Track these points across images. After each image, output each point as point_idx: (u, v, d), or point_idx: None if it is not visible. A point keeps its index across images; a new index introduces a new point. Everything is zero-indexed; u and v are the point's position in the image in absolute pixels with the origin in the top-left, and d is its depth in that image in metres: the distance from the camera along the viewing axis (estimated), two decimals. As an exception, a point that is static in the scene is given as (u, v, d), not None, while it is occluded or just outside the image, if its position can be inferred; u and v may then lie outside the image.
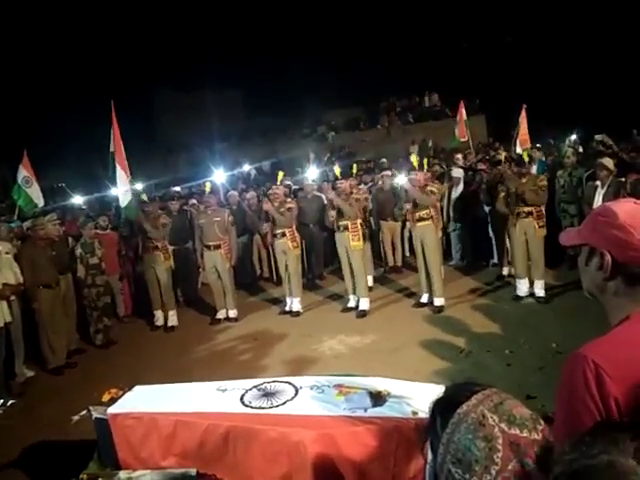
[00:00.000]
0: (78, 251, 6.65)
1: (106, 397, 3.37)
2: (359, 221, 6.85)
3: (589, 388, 1.14)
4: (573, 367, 1.19)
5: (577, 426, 1.13)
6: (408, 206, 6.67)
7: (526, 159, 6.96)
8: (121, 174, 6.72)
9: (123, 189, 6.78)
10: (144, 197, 7.49)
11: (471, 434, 1.00)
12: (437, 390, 3.05)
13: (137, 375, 5.07)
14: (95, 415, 3.28)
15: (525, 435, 1.00)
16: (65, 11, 18.96)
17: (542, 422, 1.05)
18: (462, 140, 10.67)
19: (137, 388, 3.54)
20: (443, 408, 1.09)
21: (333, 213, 6.79)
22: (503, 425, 1.00)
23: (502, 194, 6.74)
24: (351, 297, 7.00)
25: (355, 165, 8.33)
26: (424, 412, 2.76)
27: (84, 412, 3.32)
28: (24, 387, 5.62)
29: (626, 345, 1.19)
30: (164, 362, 5.93)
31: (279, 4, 21.35)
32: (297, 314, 7.04)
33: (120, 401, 3.34)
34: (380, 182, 8.85)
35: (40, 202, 7.43)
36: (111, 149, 6.88)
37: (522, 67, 18.33)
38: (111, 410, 3.23)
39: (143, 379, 4.06)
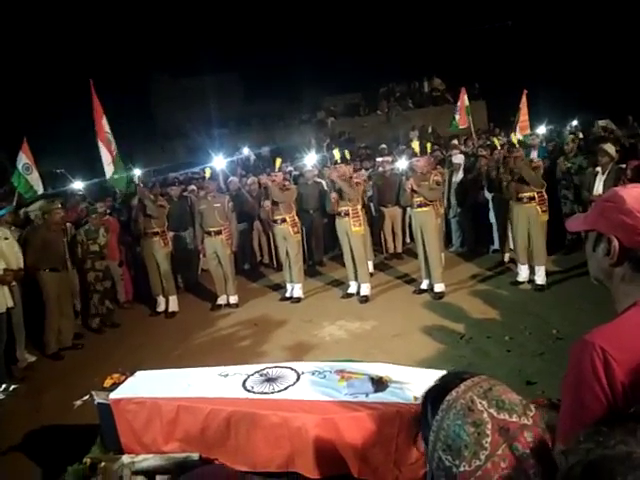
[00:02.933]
0: (80, 237, 6.65)
1: (108, 382, 3.38)
2: (359, 206, 6.84)
3: (597, 374, 1.14)
4: (580, 353, 1.18)
5: (585, 413, 1.13)
6: (409, 187, 6.62)
7: (515, 143, 6.99)
8: (103, 150, 7.07)
9: (107, 162, 7.08)
10: (135, 179, 7.51)
11: (460, 420, 1.00)
12: (437, 375, 3.08)
13: (139, 360, 5.10)
14: (97, 400, 3.29)
15: (515, 420, 1.00)
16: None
17: (533, 408, 1.04)
18: (462, 127, 10.64)
19: (139, 373, 3.55)
20: (433, 397, 1.09)
21: (335, 195, 6.78)
22: (492, 410, 1.00)
23: (505, 182, 6.73)
24: (352, 283, 7.01)
25: (348, 152, 8.25)
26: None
27: (86, 397, 3.33)
28: (26, 372, 5.64)
29: (634, 331, 1.18)
30: (166, 347, 5.96)
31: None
32: (298, 300, 7.05)
33: (122, 386, 3.35)
34: (380, 168, 8.82)
35: (40, 189, 7.44)
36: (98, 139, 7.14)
37: (522, 52, 18.17)
38: (113, 395, 3.24)
39: (145, 364, 4.08)
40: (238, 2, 21.05)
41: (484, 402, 1.01)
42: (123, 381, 3.41)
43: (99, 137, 7.12)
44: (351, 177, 6.87)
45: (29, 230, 6.18)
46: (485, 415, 1.00)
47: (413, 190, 6.50)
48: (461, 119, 10.51)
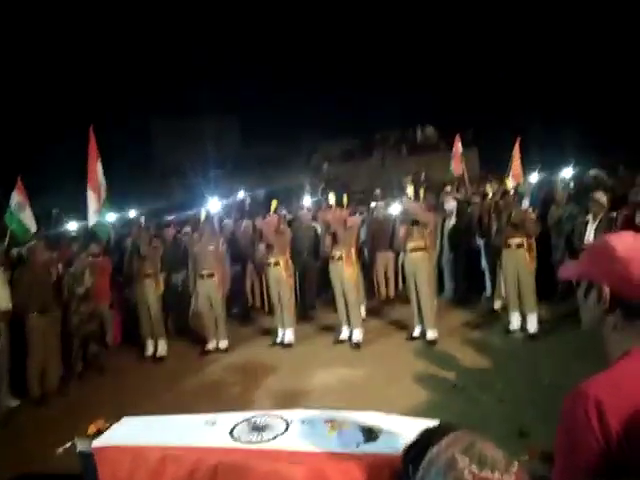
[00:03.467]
0: (66, 279, 6.60)
1: (92, 429, 3.28)
2: (353, 250, 6.87)
3: (591, 425, 1.13)
4: (574, 403, 1.17)
5: (580, 464, 1.12)
6: (402, 231, 6.67)
7: (509, 190, 7.09)
8: (91, 196, 7.17)
9: (92, 209, 7.18)
10: (142, 221, 7.55)
11: (441, 477, 0.99)
12: (429, 425, 3.03)
13: (125, 406, 4.97)
14: (80, 448, 3.19)
15: (497, 476, 0.98)
16: (61, 37, 19.24)
17: (516, 464, 1.03)
18: (456, 175, 10.81)
19: (124, 419, 3.47)
20: (415, 453, 1.08)
21: (329, 239, 6.81)
22: (474, 467, 0.99)
23: (495, 227, 6.81)
24: (344, 328, 6.96)
25: (346, 195, 8.36)
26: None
27: (68, 444, 3.22)
28: (8, 417, 5.49)
29: (628, 381, 1.17)
30: (152, 393, 5.84)
31: (278, 34, 21.79)
32: (289, 346, 6.97)
33: (106, 433, 3.26)
34: (374, 213, 8.90)
35: (33, 227, 7.44)
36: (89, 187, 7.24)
37: (514, 101, 18.68)
38: (97, 442, 3.15)
39: (131, 410, 3.98)
40: (238, 46, 21.66)
41: (466, 458, 1.00)
42: (107, 428, 3.32)
43: (89, 183, 7.21)
44: (345, 221, 6.92)
45: (17, 271, 6.12)
46: (466, 472, 0.98)
47: (407, 233, 6.56)
48: (455, 167, 10.68)
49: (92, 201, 7.23)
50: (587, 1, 18.06)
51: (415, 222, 6.59)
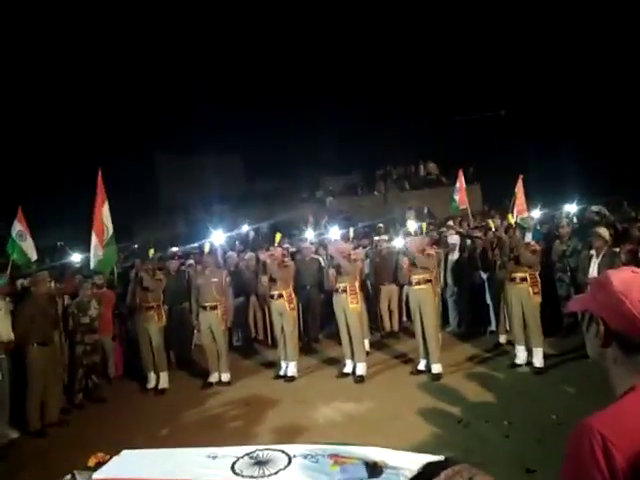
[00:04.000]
0: (71, 309, 6.62)
1: (92, 461, 3.24)
2: (357, 283, 6.87)
3: (596, 461, 1.11)
4: (579, 439, 1.16)
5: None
6: (405, 263, 6.70)
7: (512, 224, 7.14)
8: (95, 241, 7.38)
9: (94, 252, 7.39)
10: (150, 252, 7.60)
11: None
12: (434, 461, 2.98)
13: (125, 439, 4.91)
14: (79, 480, 3.14)
15: None
16: (67, 71, 19.68)
17: None
18: (462, 207, 10.92)
19: (125, 452, 3.42)
20: None
21: (333, 271, 6.82)
22: None
23: (499, 261, 6.83)
24: (348, 362, 6.90)
25: (352, 229, 8.45)
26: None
27: (68, 477, 3.18)
28: (7, 450, 5.40)
29: (633, 417, 1.16)
30: (154, 426, 5.76)
31: (278, 72, 22.27)
32: (292, 379, 6.90)
33: (106, 466, 3.21)
34: (377, 246, 8.93)
35: (33, 256, 7.55)
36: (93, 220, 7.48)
37: (516, 138, 18.92)
38: (96, 475, 3.10)
39: (131, 443, 3.94)
40: (241, 86, 22.12)
41: None
42: (107, 460, 3.28)
43: (94, 227, 7.43)
44: (349, 254, 6.95)
45: (20, 302, 6.12)
46: None
47: (411, 265, 6.57)
48: (461, 199, 10.82)
49: (95, 244, 7.42)
50: (588, 34, 18.45)
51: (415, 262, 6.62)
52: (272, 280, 6.99)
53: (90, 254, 7.54)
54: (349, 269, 6.74)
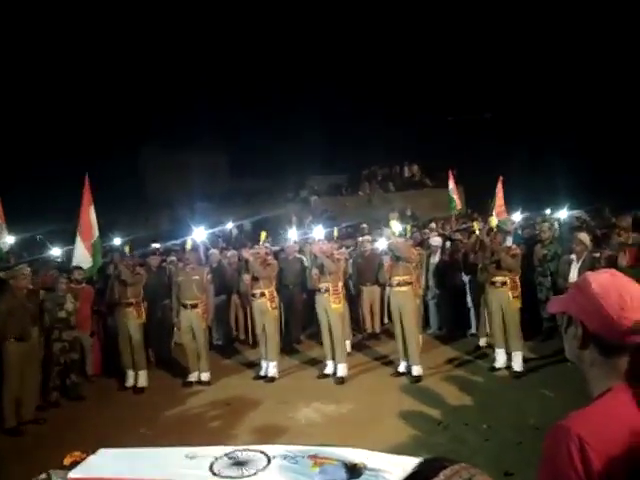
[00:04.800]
0: (46, 304, 6.49)
1: (68, 460, 3.20)
2: (340, 283, 6.86)
3: (573, 461, 1.11)
4: (555, 440, 1.16)
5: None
6: (387, 263, 6.73)
7: (494, 227, 7.18)
8: (81, 244, 7.29)
9: (79, 255, 7.30)
10: (126, 249, 7.46)
11: None
12: (414, 463, 2.98)
13: (102, 437, 4.84)
14: (55, 479, 3.09)
15: None
16: (53, 65, 19.42)
17: None
18: (459, 208, 11.02)
19: (101, 451, 3.38)
20: None
21: (316, 271, 6.81)
22: None
23: (480, 264, 6.87)
24: (329, 362, 6.89)
25: (336, 230, 8.43)
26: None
27: (43, 476, 3.12)
28: (-20, 447, 5.30)
29: (609, 419, 1.17)
30: (132, 425, 5.68)
31: (265, 71, 22.23)
32: (272, 379, 6.87)
33: (83, 464, 3.17)
34: (361, 247, 8.93)
35: (6, 246, 7.46)
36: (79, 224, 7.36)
37: (500, 141, 19.10)
38: (72, 474, 3.06)
39: (108, 441, 3.88)
40: (227, 83, 22.03)
41: None
42: (84, 459, 3.23)
43: (81, 232, 7.32)
44: (332, 254, 6.93)
45: None
46: None
47: (392, 265, 6.60)
48: (458, 199, 10.96)
49: (80, 249, 7.32)
50: (574, 41, 18.69)
51: (399, 257, 6.64)
52: (254, 279, 6.96)
53: (74, 253, 7.42)
54: (332, 269, 6.73)
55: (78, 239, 7.33)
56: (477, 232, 8.03)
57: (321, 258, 6.76)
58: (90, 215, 7.40)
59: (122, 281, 6.93)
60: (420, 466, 1.11)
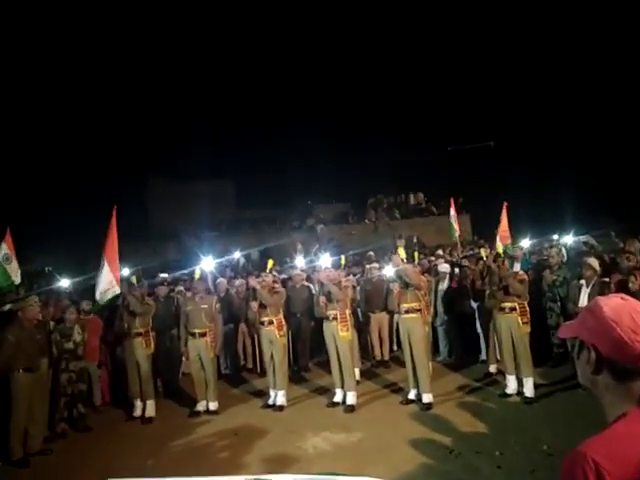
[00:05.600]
0: (54, 335, 6.50)
1: (76, 492, 3.16)
2: (348, 311, 6.84)
3: None
4: (572, 466, 1.16)
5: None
6: (396, 289, 6.71)
7: (501, 253, 7.18)
8: (111, 276, 6.90)
9: (106, 287, 6.91)
10: (133, 280, 7.46)
11: None
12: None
13: (110, 469, 4.80)
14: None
15: None
16: (59, 96, 19.83)
17: None
18: (458, 235, 11.07)
19: (110, 482, 3.34)
20: None
21: (323, 298, 6.80)
22: None
23: (488, 290, 6.85)
24: (338, 391, 6.82)
25: (343, 257, 8.46)
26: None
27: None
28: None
29: (625, 443, 1.17)
30: (139, 455, 5.61)
31: (272, 100, 22.60)
32: (281, 408, 6.79)
33: (91, 496, 3.14)
34: (368, 274, 8.94)
35: (17, 280, 7.46)
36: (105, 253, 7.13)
37: (504, 169, 19.22)
38: (80, 506, 3.02)
39: (116, 473, 3.85)
40: (233, 114, 22.40)
41: None
42: (92, 490, 3.20)
43: (110, 262, 7.03)
44: (340, 281, 6.94)
45: (5, 327, 5.99)
46: None
47: (400, 292, 6.59)
48: (458, 229, 11.01)
49: (109, 275, 6.96)
50: (574, 69, 18.95)
51: (408, 284, 6.64)
52: (262, 307, 6.95)
53: (100, 280, 7.07)
54: (339, 296, 6.73)
55: (106, 266, 7.05)
56: (484, 258, 8.04)
57: (328, 285, 6.77)
58: (115, 245, 7.24)
59: (131, 311, 6.95)
60: None
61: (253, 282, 7.09)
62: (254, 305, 7.04)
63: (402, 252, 7.30)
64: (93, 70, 20.58)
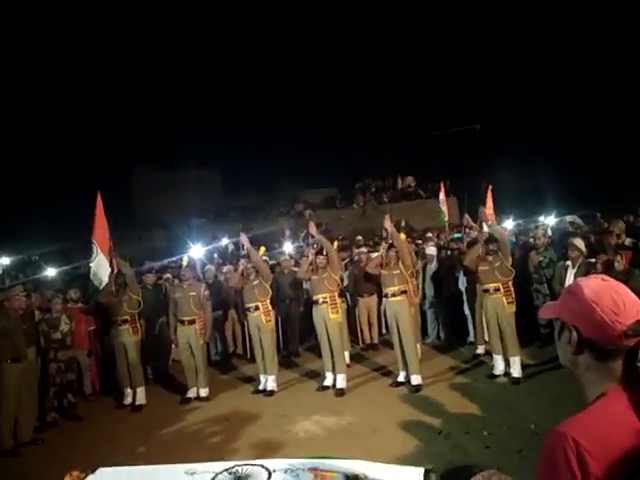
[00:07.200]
0: (41, 326, 6.46)
1: (66, 480, 3.15)
2: (337, 295, 6.86)
3: (570, 466, 1.12)
4: (553, 445, 1.17)
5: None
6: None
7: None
8: (103, 260, 7.36)
9: (103, 273, 7.31)
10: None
11: None
12: (415, 473, 2.97)
13: (101, 456, 4.80)
14: (53, 501, 3.06)
15: None
16: (47, 85, 19.53)
17: None
18: (446, 220, 11.10)
19: (100, 471, 3.33)
20: None
21: (306, 266, 6.88)
22: None
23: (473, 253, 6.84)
24: (328, 374, 6.86)
25: (336, 242, 8.45)
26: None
27: (41, 498, 3.10)
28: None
29: (605, 422, 1.18)
30: (131, 443, 5.63)
31: (258, 86, 22.41)
32: (271, 393, 6.83)
33: (81, 485, 3.13)
34: (356, 258, 8.95)
35: None
36: (93, 239, 7.45)
37: (490, 151, 19.28)
38: (71, 495, 3.02)
39: (107, 460, 3.84)
40: (220, 101, 22.18)
41: None
42: (83, 479, 3.19)
43: (102, 247, 7.42)
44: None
45: None
46: None
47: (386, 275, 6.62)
48: (447, 211, 11.02)
49: (102, 260, 7.43)
50: (561, 50, 18.98)
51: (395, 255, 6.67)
52: (248, 294, 6.95)
53: (94, 265, 7.49)
54: (331, 252, 6.80)
55: (98, 251, 7.41)
56: (474, 233, 8.05)
57: (320, 240, 6.78)
58: (104, 229, 7.56)
59: (117, 297, 6.90)
60: (449, 472, 1.10)
61: (243, 264, 7.13)
62: (243, 261, 7.12)
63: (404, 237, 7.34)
64: (78, 58, 20.26)
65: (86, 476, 3.24)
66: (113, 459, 4.43)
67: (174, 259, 10.37)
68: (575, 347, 1.28)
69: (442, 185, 11.36)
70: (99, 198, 7.57)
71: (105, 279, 7.24)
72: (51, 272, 8.98)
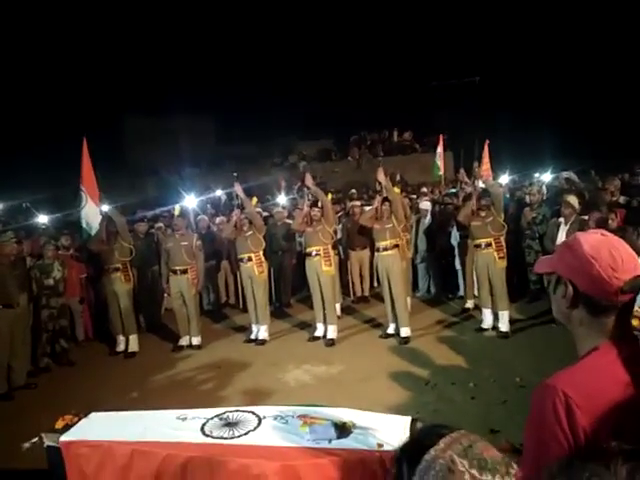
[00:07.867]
0: (34, 271, 6.44)
1: (60, 423, 3.21)
2: (330, 247, 6.86)
3: (559, 419, 1.14)
4: (542, 397, 1.18)
5: (546, 457, 1.12)
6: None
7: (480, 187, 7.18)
8: (93, 207, 7.36)
9: (94, 220, 7.32)
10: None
11: None
12: (402, 422, 3.04)
13: (94, 401, 4.87)
14: (47, 443, 3.11)
15: None
16: (36, 33, 18.87)
17: (515, 465, 0.98)
18: (440, 173, 11.02)
19: (93, 415, 3.40)
20: (410, 454, 1.01)
21: (305, 210, 6.88)
22: (474, 471, 0.94)
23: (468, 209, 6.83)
24: (319, 325, 6.95)
25: (330, 194, 8.39)
26: (389, 444, 2.72)
27: (35, 439, 3.15)
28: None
29: (595, 376, 1.19)
30: (123, 388, 5.73)
31: (251, 36, 21.75)
32: (262, 342, 6.93)
33: (74, 428, 3.19)
34: (350, 212, 8.92)
35: None
36: (82, 186, 7.44)
37: (488, 105, 18.96)
38: (64, 437, 3.08)
39: (100, 406, 3.90)
40: (213, 48, 21.56)
41: (465, 462, 0.95)
42: (76, 422, 3.25)
43: (90, 194, 7.43)
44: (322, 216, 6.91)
45: None
46: (467, 476, 0.93)
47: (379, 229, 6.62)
48: (442, 166, 10.92)
49: (92, 207, 7.45)
50: (558, 6, 18.49)
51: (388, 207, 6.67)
52: (241, 244, 6.94)
53: (84, 212, 7.53)
54: (325, 202, 6.79)
55: (87, 198, 7.43)
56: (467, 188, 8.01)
57: (315, 192, 6.75)
58: (92, 176, 7.54)
59: (108, 244, 6.87)
60: (420, 433, 1.10)
61: (236, 214, 7.10)
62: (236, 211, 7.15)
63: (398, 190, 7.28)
64: (69, 11, 19.45)
65: (79, 420, 3.30)
66: (106, 404, 4.50)
67: (166, 208, 10.28)
68: (570, 301, 1.27)
69: (440, 138, 11.20)
70: (85, 144, 7.46)
71: (96, 226, 7.19)
72: (42, 219, 8.88)
